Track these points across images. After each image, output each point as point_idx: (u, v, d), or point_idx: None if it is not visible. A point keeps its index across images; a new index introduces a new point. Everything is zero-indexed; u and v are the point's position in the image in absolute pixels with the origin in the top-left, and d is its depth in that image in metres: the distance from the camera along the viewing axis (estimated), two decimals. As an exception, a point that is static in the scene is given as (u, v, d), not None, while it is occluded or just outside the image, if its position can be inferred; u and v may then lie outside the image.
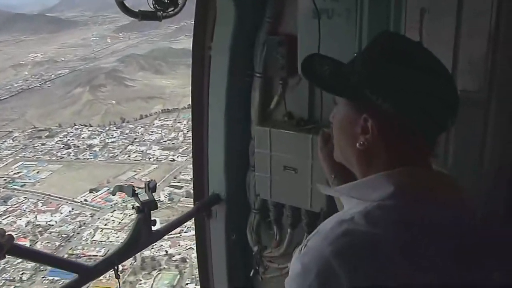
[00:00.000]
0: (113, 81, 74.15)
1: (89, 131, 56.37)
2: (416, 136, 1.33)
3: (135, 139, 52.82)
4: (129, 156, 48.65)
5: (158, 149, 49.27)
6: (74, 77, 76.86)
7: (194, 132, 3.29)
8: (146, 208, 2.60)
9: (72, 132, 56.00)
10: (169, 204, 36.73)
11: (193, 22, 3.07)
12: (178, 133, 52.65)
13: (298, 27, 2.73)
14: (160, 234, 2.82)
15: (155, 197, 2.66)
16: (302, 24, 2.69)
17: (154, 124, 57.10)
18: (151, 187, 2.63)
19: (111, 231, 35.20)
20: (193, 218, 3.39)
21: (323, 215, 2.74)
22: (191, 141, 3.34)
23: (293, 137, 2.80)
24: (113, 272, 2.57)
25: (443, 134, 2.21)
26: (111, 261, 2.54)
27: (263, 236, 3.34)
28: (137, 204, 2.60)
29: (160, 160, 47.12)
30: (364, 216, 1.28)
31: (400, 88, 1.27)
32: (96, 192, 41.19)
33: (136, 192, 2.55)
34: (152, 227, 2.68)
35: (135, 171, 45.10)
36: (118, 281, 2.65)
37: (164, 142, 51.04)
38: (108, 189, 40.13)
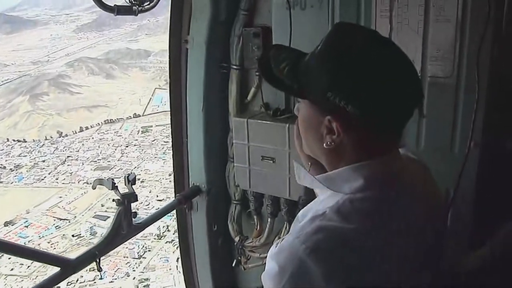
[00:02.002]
0: (56, 88, 66.00)
1: (21, 148, 48.92)
2: (383, 131, 1.32)
3: (68, 157, 45.96)
4: (57, 179, 41.75)
5: (91, 169, 42.92)
6: (19, 84, 67.76)
7: (173, 125, 3.31)
8: (126, 201, 2.62)
9: (2, 150, 48.50)
10: (90, 240, 30.78)
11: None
12: (116, 149, 46.21)
13: (273, 18, 2.77)
14: (141, 227, 2.84)
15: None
16: (276, 15, 2.74)
17: (93, 138, 50.44)
18: (131, 180, 2.65)
19: (17, 279, 28.65)
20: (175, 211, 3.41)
21: (302, 203, 2.78)
22: (170, 134, 3.35)
23: (270, 127, 2.84)
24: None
25: (415, 116, 2.29)
26: (93, 254, 2.55)
27: (244, 226, 3.39)
28: (117, 197, 2.62)
29: (90, 183, 40.07)
30: (336, 211, 1.29)
31: (362, 89, 1.24)
32: (12, 225, 34.50)
33: (115, 185, 2.57)
34: (133, 219, 2.71)
35: (60, 197, 38.44)
36: (100, 274, 2.68)
37: (99, 161, 44.66)
38: (25, 222, 34.71)
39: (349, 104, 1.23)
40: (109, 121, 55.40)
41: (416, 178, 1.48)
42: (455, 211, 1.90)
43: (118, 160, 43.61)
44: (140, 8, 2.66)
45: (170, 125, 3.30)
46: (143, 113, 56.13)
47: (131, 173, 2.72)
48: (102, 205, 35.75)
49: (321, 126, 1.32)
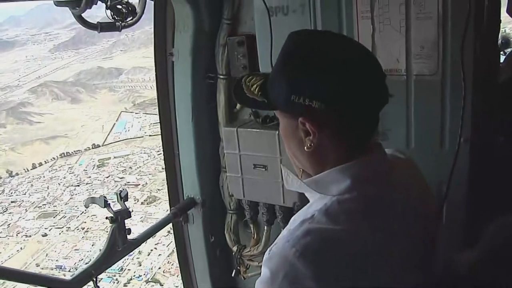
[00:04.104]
0: (15, 119, 59.74)
1: (-33, 192, 41.57)
2: (357, 123, 1.34)
3: (12, 202, 39.04)
4: (-6, 232, 34.91)
5: (33, 217, 36.63)
6: (-19, 115, 60.39)
7: (164, 138, 3.30)
8: (120, 217, 2.60)
9: None
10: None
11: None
12: (65, 190, 40.13)
13: (256, 26, 2.76)
14: (136, 243, 2.82)
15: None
16: (259, 23, 2.72)
17: (44, 177, 44.24)
18: (123, 197, 2.64)
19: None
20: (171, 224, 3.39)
21: (297, 209, 2.76)
22: (161, 148, 3.34)
23: (260, 135, 2.83)
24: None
25: (404, 116, 2.29)
26: (89, 273, 2.52)
27: (241, 235, 3.37)
28: (110, 215, 2.60)
29: (30, 236, 34.55)
30: (324, 213, 1.31)
31: (322, 85, 1.27)
32: None
33: (108, 202, 2.56)
34: (128, 235, 2.69)
35: (-6, 254, 32.76)
36: (98, 293, 2.65)
37: (44, 206, 38.08)
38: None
39: (313, 100, 1.27)
40: (65, 154, 50.18)
41: (404, 176, 1.50)
42: (448, 207, 1.89)
43: (66, 204, 37.87)
44: (123, 24, 2.65)
45: (161, 139, 3.29)
46: (103, 142, 51.91)
47: (123, 189, 2.71)
48: (37, 265, 31.48)
49: (298, 131, 1.35)
